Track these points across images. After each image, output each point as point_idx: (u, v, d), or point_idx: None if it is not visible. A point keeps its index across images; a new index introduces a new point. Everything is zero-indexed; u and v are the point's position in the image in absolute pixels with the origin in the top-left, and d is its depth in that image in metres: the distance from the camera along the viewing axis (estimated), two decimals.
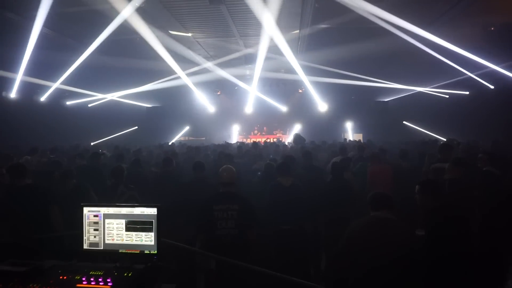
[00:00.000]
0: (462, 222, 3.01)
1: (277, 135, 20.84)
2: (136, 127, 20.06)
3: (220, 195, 3.66)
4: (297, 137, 12.64)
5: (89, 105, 17.62)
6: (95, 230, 2.45)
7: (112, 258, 2.36)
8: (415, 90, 16.65)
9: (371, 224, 2.93)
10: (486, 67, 12.29)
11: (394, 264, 2.69)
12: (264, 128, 21.96)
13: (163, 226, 2.41)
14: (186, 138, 21.10)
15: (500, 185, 4.32)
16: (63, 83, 13.60)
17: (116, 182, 4.66)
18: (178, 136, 20.91)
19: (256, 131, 21.85)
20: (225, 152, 7.75)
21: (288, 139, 18.85)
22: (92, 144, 15.07)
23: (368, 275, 2.76)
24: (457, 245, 2.83)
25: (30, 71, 11.75)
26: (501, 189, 4.21)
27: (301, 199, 4.30)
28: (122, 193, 4.53)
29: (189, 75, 15.61)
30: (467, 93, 15.79)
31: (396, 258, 2.69)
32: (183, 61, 14.53)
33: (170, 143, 14.46)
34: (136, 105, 19.36)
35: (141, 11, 9.24)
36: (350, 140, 15.54)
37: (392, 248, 2.73)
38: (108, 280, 2.14)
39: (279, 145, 12.07)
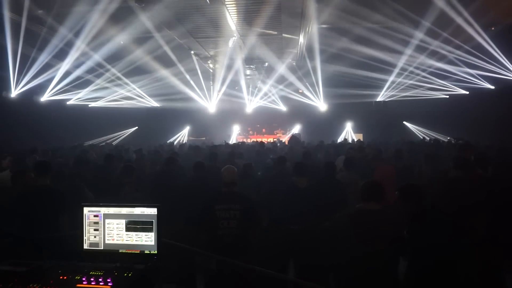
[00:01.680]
0: (445, 225, 2.95)
1: (278, 135, 20.80)
2: (137, 127, 20.10)
3: (222, 194, 3.64)
4: (293, 139, 12.54)
5: (90, 105, 17.63)
6: (95, 230, 2.45)
7: (112, 258, 2.36)
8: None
9: (355, 216, 2.97)
10: (486, 66, 12.31)
11: (376, 255, 2.73)
12: (263, 129, 21.88)
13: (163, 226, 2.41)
14: (187, 138, 21.13)
15: (489, 188, 4.26)
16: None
17: (122, 182, 4.62)
18: (185, 136, 20.95)
19: (251, 132, 21.77)
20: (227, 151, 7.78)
21: (288, 139, 18.85)
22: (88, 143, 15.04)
23: (352, 266, 2.81)
24: (440, 249, 2.79)
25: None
26: (489, 192, 4.14)
27: (314, 201, 4.26)
28: (127, 193, 4.51)
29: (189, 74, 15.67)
30: (467, 93, 15.80)
31: (379, 250, 2.73)
32: (184, 61, 14.56)
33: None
34: (136, 105, 19.37)
35: (142, 10, 9.26)
36: (346, 139, 15.54)
37: (374, 240, 2.76)
38: (108, 280, 2.13)
39: (278, 145, 12.06)
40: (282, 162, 5.74)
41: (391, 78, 16.36)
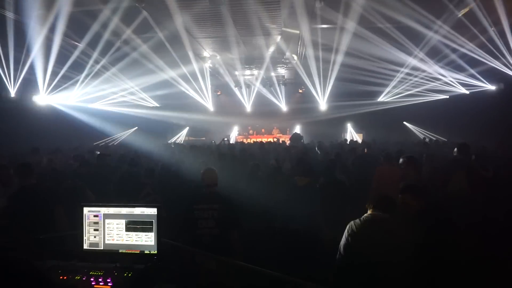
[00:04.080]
0: (448, 224, 3.01)
1: (276, 134, 20.79)
2: (136, 128, 20.11)
3: (202, 195, 3.67)
4: (295, 136, 12.48)
5: (89, 105, 17.60)
6: (95, 230, 2.45)
7: (112, 258, 2.36)
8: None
9: (370, 223, 2.97)
10: (487, 67, 12.32)
11: (392, 262, 2.72)
12: (262, 129, 21.87)
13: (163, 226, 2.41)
14: (187, 138, 21.14)
15: (490, 187, 4.28)
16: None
17: (144, 183, 4.84)
18: (181, 137, 20.97)
19: (251, 131, 21.77)
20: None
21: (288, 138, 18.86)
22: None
23: (367, 273, 2.79)
24: (444, 248, 2.81)
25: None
26: (491, 191, 4.17)
27: (313, 200, 4.28)
28: (148, 194, 4.64)
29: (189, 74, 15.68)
30: (468, 92, 15.78)
31: (394, 256, 2.72)
32: (184, 61, 14.56)
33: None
34: (136, 105, 19.38)
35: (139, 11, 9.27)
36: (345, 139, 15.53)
37: (390, 247, 2.76)
38: (108, 280, 2.14)
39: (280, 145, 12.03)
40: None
41: (393, 80, 16.35)
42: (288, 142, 14.62)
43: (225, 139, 13.71)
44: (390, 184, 5.20)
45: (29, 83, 12.81)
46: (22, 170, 4.01)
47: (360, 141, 14.58)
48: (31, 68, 11.95)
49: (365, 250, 2.84)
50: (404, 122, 19.24)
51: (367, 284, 2.81)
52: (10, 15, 9.38)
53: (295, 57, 15.03)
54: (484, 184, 4.36)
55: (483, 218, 3.87)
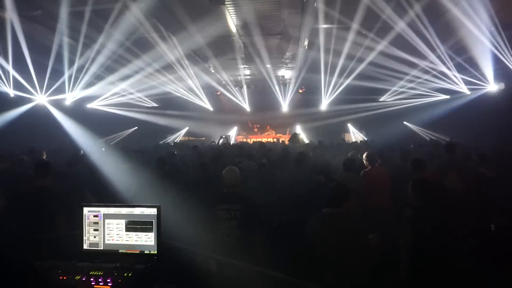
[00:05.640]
0: (442, 221, 3.18)
1: (277, 135, 20.80)
2: (136, 128, 20.10)
3: (224, 195, 3.68)
4: (293, 137, 12.47)
5: (88, 105, 17.60)
6: (95, 230, 2.45)
7: (112, 258, 2.36)
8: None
9: (323, 219, 3.16)
10: (488, 66, 12.31)
11: (343, 256, 2.88)
12: (267, 126, 21.90)
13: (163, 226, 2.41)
14: (186, 138, 21.13)
15: (493, 187, 4.28)
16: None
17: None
18: (179, 136, 20.97)
19: (256, 130, 21.80)
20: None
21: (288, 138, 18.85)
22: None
23: (322, 267, 2.97)
24: (437, 243, 3.02)
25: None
26: (494, 191, 4.17)
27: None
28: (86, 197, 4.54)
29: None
30: (468, 92, 15.77)
31: (345, 250, 2.89)
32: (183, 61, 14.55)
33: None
34: (136, 105, 19.37)
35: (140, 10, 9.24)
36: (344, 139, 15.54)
37: (341, 240, 2.92)
38: (108, 280, 2.14)
39: (277, 145, 12.06)
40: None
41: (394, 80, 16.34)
42: (287, 142, 14.65)
43: (223, 136, 13.57)
44: (382, 186, 5.18)
45: (29, 83, 12.79)
46: (39, 168, 3.95)
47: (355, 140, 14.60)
48: (31, 68, 11.93)
49: (316, 239, 3.09)
50: (405, 122, 19.22)
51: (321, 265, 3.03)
52: (9, 14, 9.36)
53: (295, 56, 15.02)
54: (483, 184, 4.35)
55: (477, 220, 3.90)
